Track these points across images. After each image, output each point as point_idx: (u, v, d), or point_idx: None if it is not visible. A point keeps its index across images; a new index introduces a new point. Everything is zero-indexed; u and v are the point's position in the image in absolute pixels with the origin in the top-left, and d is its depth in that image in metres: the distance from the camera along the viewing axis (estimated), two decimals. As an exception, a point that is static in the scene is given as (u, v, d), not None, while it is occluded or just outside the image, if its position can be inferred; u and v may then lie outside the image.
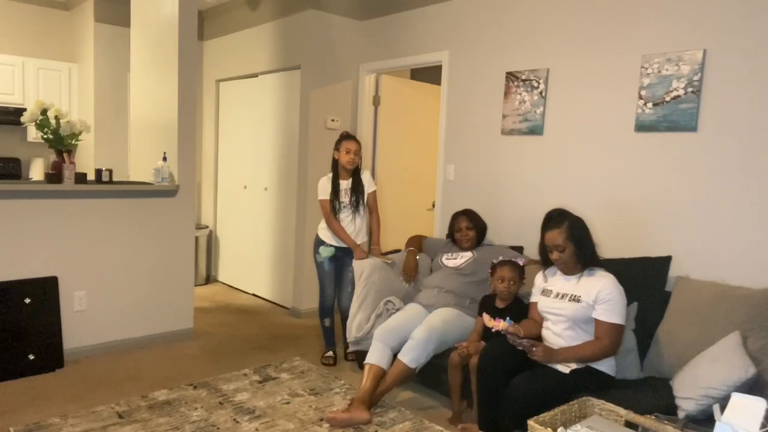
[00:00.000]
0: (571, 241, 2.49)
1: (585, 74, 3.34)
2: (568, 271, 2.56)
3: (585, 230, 2.55)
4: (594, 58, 3.29)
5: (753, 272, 2.65)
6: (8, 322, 3.25)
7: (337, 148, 3.64)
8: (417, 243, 3.71)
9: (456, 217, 3.47)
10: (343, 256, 3.70)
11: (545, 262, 2.66)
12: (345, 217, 3.65)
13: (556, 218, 2.56)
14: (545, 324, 2.62)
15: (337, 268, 3.75)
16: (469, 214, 3.43)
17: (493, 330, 2.56)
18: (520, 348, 2.44)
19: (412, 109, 5.06)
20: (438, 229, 4.25)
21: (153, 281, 3.92)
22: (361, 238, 3.71)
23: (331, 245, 3.67)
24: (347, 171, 3.65)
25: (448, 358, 2.93)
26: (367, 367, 2.99)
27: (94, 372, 3.39)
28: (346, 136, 3.65)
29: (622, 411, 1.97)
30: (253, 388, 3.23)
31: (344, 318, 3.68)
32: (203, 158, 6.01)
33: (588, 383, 2.39)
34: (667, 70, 2.94)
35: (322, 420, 2.85)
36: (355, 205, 3.65)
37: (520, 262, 3.02)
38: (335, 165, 3.66)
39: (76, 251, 3.55)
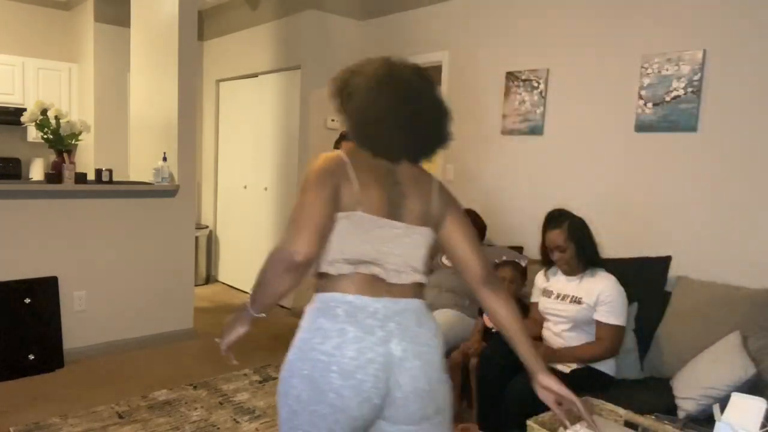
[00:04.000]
0: (571, 242, 2.49)
1: (585, 74, 3.34)
2: (569, 271, 2.55)
3: (586, 230, 2.54)
4: (594, 58, 3.28)
5: (753, 272, 2.65)
6: (8, 322, 3.25)
7: (336, 148, 3.64)
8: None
9: None
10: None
11: (546, 262, 2.66)
12: (345, 217, 3.64)
13: (557, 218, 2.55)
14: (545, 324, 2.62)
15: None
16: None
17: (493, 330, 2.56)
18: None
19: (412, 109, 5.04)
20: (438, 229, 4.24)
21: (153, 281, 3.92)
22: (361, 238, 3.70)
23: (331, 245, 3.66)
24: (347, 171, 3.64)
25: (448, 359, 2.93)
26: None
27: (94, 372, 3.39)
28: (346, 136, 3.64)
29: (621, 411, 1.96)
30: (253, 388, 3.23)
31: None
32: (203, 158, 6.01)
33: (588, 383, 2.38)
34: (667, 70, 2.93)
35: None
36: (355, 205, 3.64)
37: (522, 263, 3.01)
38: (335, 165, 3.66)
39: (76, 251, 3.54)
